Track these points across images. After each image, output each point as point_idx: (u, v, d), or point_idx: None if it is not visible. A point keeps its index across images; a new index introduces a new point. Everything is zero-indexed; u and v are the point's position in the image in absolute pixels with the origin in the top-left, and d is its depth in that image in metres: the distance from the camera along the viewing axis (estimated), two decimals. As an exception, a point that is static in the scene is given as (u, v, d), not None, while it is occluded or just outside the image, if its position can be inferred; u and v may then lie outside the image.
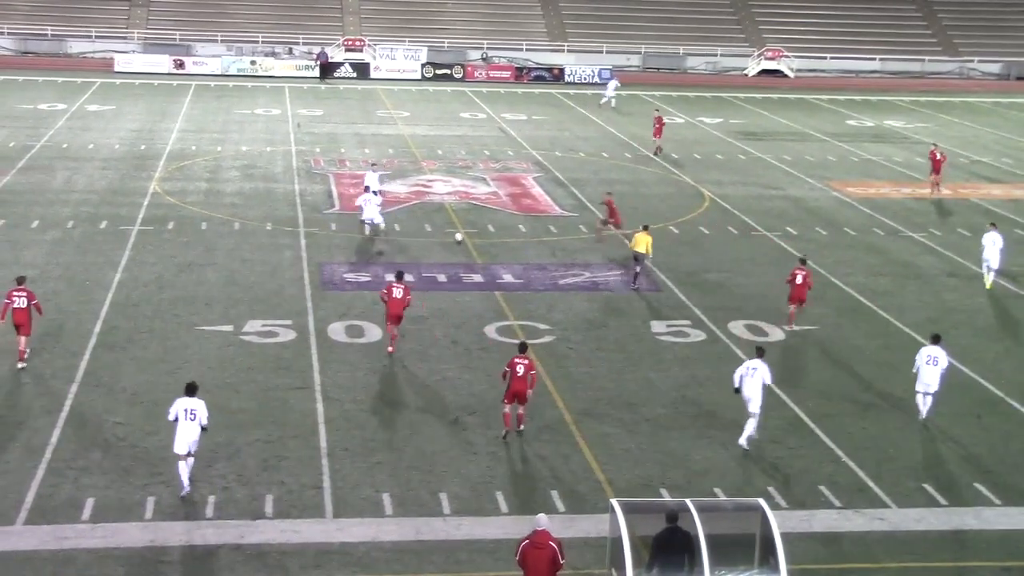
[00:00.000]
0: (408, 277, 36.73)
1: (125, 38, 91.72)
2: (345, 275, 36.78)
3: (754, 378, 25.43)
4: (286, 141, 59.99)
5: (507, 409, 25.59)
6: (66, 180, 48.82)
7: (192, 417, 22.64)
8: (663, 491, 23.33)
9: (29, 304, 28.64)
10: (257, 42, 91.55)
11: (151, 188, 47.92)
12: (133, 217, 43.11)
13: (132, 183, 48.80)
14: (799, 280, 33.06)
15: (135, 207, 44.59)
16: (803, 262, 34.31)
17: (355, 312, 33.52)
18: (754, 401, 25.47)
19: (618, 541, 18.40)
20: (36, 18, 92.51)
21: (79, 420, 25.81)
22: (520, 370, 25.34)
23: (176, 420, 22.68)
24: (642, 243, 36.55)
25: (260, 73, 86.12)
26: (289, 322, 32.51)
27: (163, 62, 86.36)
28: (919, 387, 27.09)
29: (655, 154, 59.02)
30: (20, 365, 28.62)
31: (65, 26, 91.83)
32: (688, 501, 19.17)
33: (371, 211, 41.21)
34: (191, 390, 23.05)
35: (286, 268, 37.66)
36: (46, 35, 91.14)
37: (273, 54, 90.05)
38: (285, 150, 57.29)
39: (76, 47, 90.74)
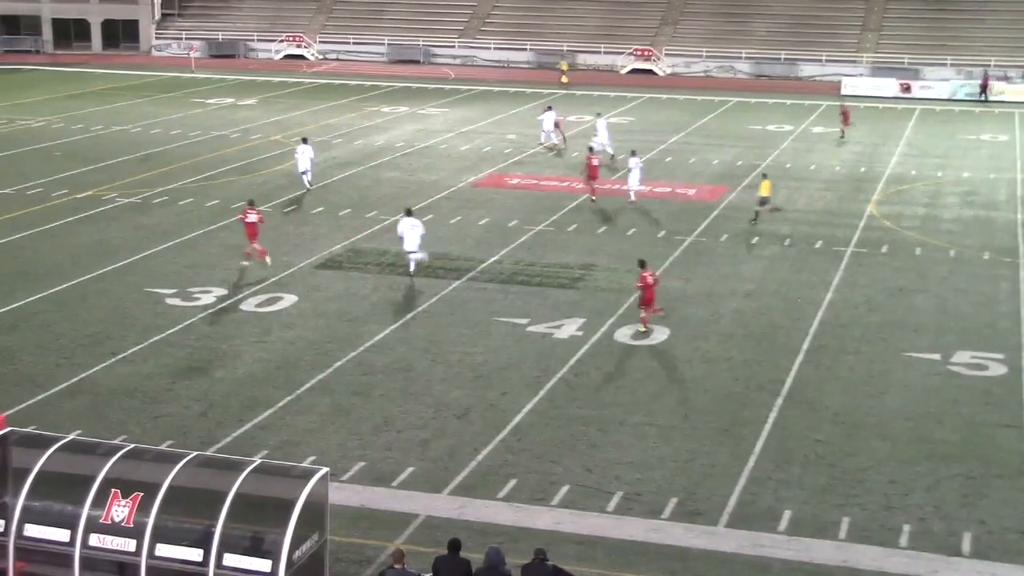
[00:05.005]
0: None
1: (854, 62, 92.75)
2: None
3: None
4: (1011, 168, 57.62)
5: (644, 314, 32.56)
6: (786, 199, 50.13)
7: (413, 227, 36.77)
8: None
9: (257, 221, 37.85)
10: (989, 66, 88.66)
11: (867, 210, 48.13)
12: (848, 238, 43.53)
13: (849, 205, 49.29)
14: None
15: (850, 228, 45.02)
16: None
17: (1075, 352, 31.61)
18: None
19: None
20: (772, 43, 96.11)
21: (782, 433, 26.57)
22: (651, 279, 32.18)
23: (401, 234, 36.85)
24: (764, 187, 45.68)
25: (989, 98, 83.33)
26: (1001, 356, 31.31)
27: (890, 85, 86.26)
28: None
29: None
30: (269, 260, 37.64)
31: (798, 50, 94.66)
32: None
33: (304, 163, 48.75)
34: (408, 212, 37.81)
35: (1002, 300, 36.27)
36: (779, 59, 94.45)
37: (1005, 78, 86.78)
38: (1010, 177, 55.07)
39: (807, 70, 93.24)
